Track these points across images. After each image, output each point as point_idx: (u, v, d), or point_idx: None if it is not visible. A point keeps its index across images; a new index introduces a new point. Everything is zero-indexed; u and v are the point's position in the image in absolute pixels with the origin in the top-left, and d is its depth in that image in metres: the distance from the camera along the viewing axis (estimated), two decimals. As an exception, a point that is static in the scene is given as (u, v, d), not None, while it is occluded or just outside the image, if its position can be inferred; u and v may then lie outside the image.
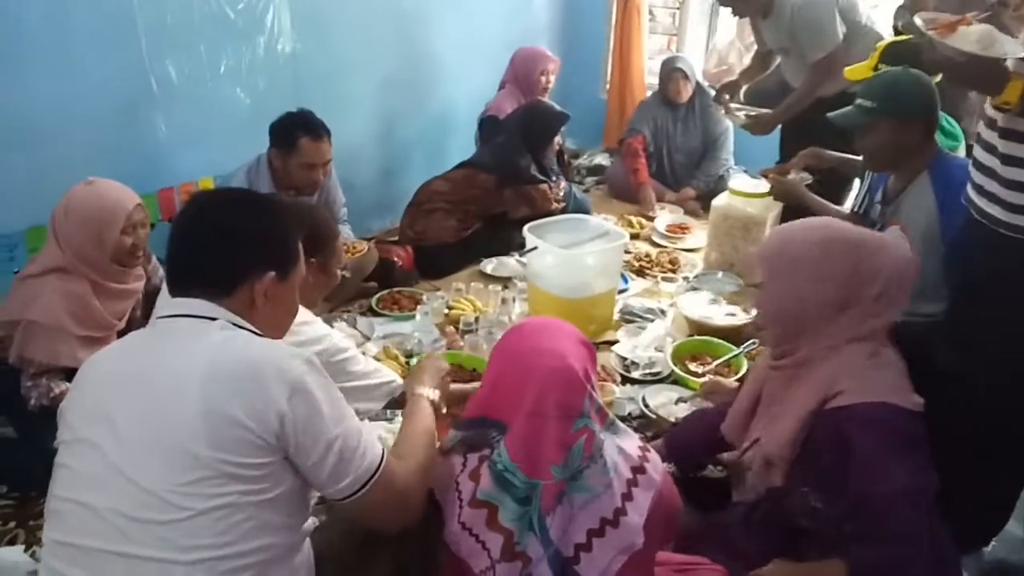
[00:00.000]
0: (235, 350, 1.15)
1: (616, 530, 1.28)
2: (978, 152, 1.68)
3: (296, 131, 2.72)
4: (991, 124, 1.62)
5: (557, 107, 3.61)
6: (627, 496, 1.30)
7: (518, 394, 1.28)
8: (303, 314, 1.56)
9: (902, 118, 2.09)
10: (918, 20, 1.60)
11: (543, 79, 3.97)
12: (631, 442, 1.37)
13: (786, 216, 3.32)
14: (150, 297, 2.29)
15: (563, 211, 3.57)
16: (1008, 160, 1.58)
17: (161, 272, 2.34)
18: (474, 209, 3.52)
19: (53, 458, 1.86)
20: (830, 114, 2.30)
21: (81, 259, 2.04)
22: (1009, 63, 1.47)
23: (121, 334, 2.15)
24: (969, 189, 1.72)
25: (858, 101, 2.18)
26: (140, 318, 2.28)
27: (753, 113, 3.44)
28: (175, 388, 1.11)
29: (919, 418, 1.40)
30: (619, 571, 1.27)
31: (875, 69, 2.64)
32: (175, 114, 2.78)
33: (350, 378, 1.78)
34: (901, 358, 1.50)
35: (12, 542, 1.91)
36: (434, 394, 1.54)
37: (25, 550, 1.84)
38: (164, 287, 1.31)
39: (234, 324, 1.21)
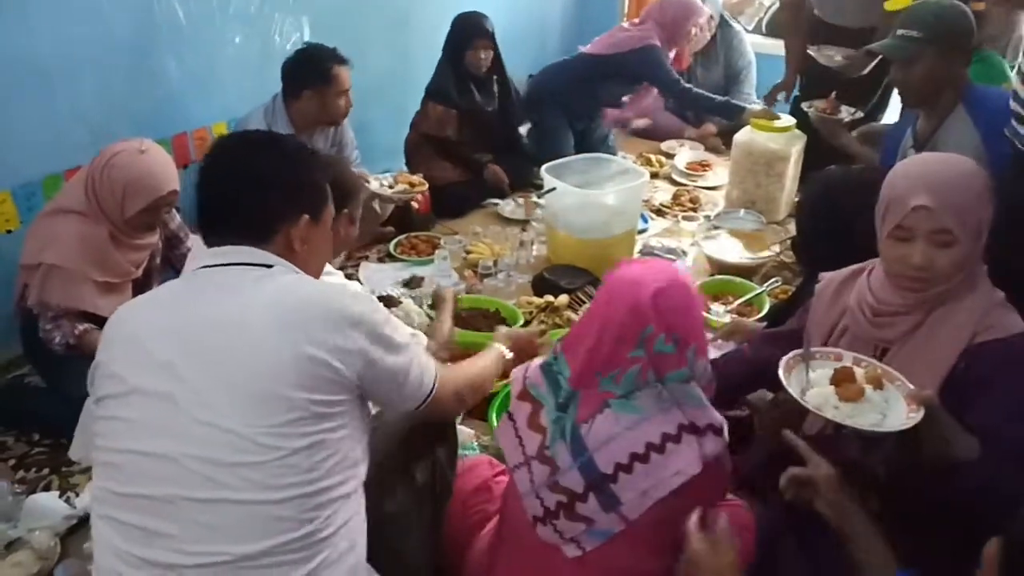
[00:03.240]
0: (307, 293, 1.18)
1: (662, 457, 1.22)
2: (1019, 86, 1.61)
3: (328, 63, 2.70)
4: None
5: (478, 14, 3.35)
6: (675, 437, 1.23)
7: (595, 308, 1.30)
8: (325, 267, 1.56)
9: (947, 47, 2.07)
10: None
11: (693, 30, 3.68)
12: (702, 412, 1.26)
13: (808, 152, 3.25)
14: (168, 242, 2.29)
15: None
16: None
17: (178, 218, 2.33)
18: (451, 144, 3.42)
19: (80, 405, 1.91)
20: (873, 45, 2.23)
21: (102, 211, 2.04)
22: None
23: (137, 282, 2.16)
24: (1014, 122, 1.66)
25: (901, 31, 2.15)
26: (159, 265, 2.28)
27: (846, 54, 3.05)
28: (251, 334, 1.12)
29: None
30: (654, 507, 1.22)
31: None
32: (186, 58, 2.72)
33: None
34: None
35: (47, 488, 1.95)
36: (509, 353, 1.72)
37: (60, 495, 1.88)
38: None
39: (289, 269, 1.22)
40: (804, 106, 2.98)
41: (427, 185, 3.04)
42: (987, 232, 1.33)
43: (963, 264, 1.32)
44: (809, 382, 1.36)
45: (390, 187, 3.06)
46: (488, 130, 3.52)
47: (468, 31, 3.30)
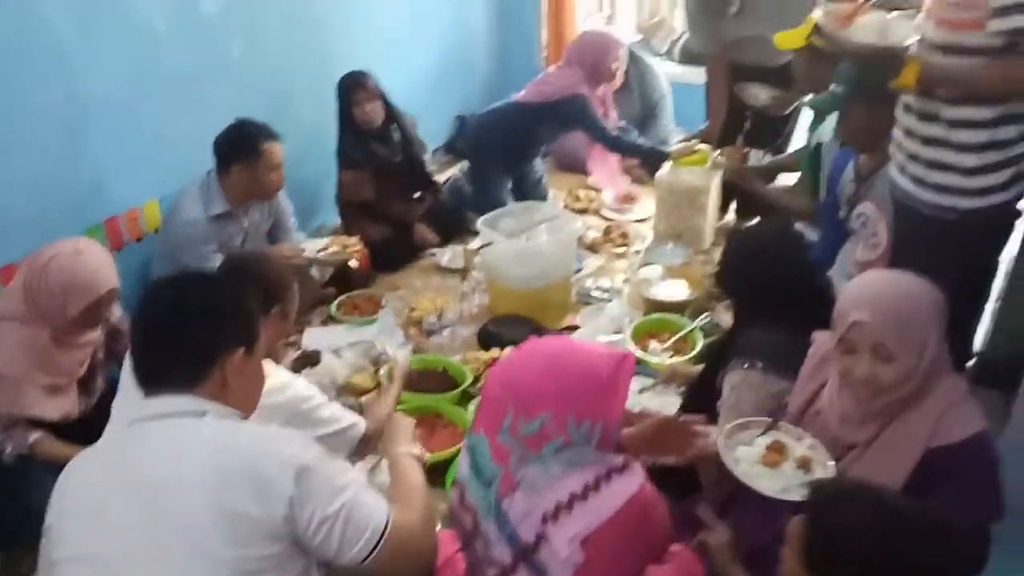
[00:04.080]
0: (232, 444, 1.18)
1: (584, 503, 1.32)
2: (897, 135, 1.78)
3: (257, 138, 2.73)
4: (906, 109, 1.71)
5: (356, 72, 3.37)
6: (594, 485, 1.34)
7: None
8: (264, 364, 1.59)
9: (874, 99, 2.10)
10: (818, 15, 1.66)
11: (614, 67, 3.69)
12: (581, 475, 1.37)
13: (725, 185, 3.43)
14: (111, 335, 2.29)
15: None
16: (928, 142, 1.68)
17: (118, 311, 2.33)
18: (372, 207, 3.50)
19: (35, 513, 1.90)
20: (806, 101, 2.36)
21: (42, 315, 2.04)
22: (910, 47, 1.55)
23: (82, 380, 2.16)
24: (892, 170, 1.82)
25: (831, 87, 2.25)
26: (103, 360, 2.27)
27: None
28: (180, 494, 1.13)
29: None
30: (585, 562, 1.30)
31: (807, 39, 2.72)
32: (115, 137, 2.71)
33: (316, 427, 1.75)
34: None
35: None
36: (416, 449, 1.60)
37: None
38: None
39: (221, 414, 1.23)
40: (715, 155, 3.15)
41: (361, 245, 3.07)
42: (934, 347, 1.41)
43: (908, 376, 1.40)
44: (750, 443, 1.49)
45: (324, 249, 3.05)
46: (402, 181, 3.60)
47: (349, 89, 3.34)
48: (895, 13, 1.63)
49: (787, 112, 3.21)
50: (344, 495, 1.21)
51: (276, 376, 1.74)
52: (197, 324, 1.25)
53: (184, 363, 1.24)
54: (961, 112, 1.65)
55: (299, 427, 1.29)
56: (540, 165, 4.02)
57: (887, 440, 1.45)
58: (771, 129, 3.31)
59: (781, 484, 1.45)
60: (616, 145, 3.72)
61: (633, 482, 1.39)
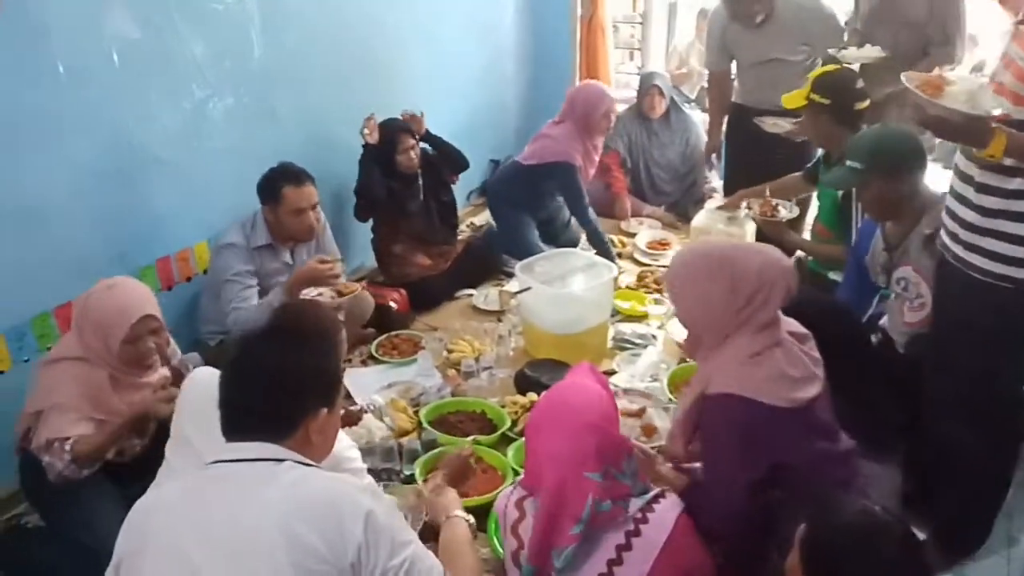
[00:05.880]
0: (309, 490, 1.23)
1: (630, 553, 1.50)
2: (950, 202, 1.81)
3: (278, 182, 2.83)
4: (965, 179, 1.74)
5: (397, 120, 3.51)
6: (626, 546, 1.52)
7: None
8: None
9: (890, 172, 2.19)
10: (906, 81, 1.71)
11: (604, 121, 3.82)
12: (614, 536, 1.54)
13: (761, 235, 3.47)
14: (171, 379, 2.33)
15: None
16: (985, 212, 1.70)
17: (178, 353, 2.39)
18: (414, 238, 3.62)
19: (78, 549, 1.94)
20: (823, 179, 2.41)
21: (95, 355, 2.11)
22: (996, 114, 1.58)
23: (139, 420, 2.21)
24: (943, 235, 1.85)
25: (847, 163, 2.29)
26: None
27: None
28: (257, 536, 1.18)
29: (772, 412, 1.60)
30: None
31: (807, 98, 2.82)
32: (165, 183, 2.81)
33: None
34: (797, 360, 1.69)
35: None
36: (464, 513, 1.69)
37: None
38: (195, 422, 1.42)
39: (298, 463, 1.28)
40: (743, 207, 3.22)
41: (357, 289, 3.02)
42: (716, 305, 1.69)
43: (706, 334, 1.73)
44: None
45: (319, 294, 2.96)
46: (431, 226, 3.71)
47: (396, 135, 3.43)
48: (982, 83, 1.67)
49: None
50: (406, 551, 1.27)
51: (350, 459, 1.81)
52: (286, 390, 1.31)
53: (271, 421, 1.30)
54: (1021, 183, 1.67)
55: None
56: (564, 210, 4.10)
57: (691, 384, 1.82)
58: (799, 158, 3.39)
59: None
60: (585, 222, 3.82)
61: (675, 504, 1.60)
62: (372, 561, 1.22)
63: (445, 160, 3.72)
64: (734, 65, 3.73)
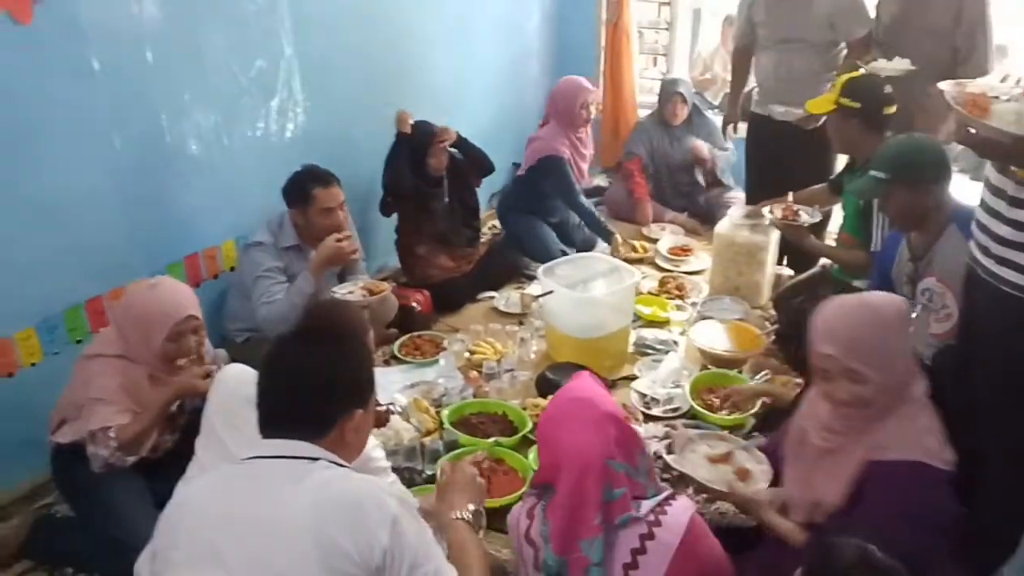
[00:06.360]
0: (339, 490, 1.25)
1: (645, 556, 1.49)
2: (981, 216, 1.79)
3: (307, 184, 2.87)
4: (997, 193, 1.72)
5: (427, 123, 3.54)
6: (646, 539, 1.51)
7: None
8: None
9: (914, 182, 2.18)
10: (947, 95, 1.69)
11: (584, 112, 3.91)
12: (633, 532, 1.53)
13: (785, 242, 3.46)
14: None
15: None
16: (1019, 226, 1.69)
17: (212, 350, 2.42)
18: (437, 240, 3.64)
19: (108, 538, 1.97)
20: (848, 188, 2.40)
21: (136, 353, 2.14)
22: None
23: (171, 416, 2.25)
24: (973, 248, 1.83)
25: (872, 172, 2.28)
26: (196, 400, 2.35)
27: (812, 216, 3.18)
28: (287, 532, 1.20)
29: (945, 477, 1.53)
30: None
31: (836, 102, 2.80)
32: (194, 182, 2.85)
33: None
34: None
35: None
36: (467, 513, 1.62)
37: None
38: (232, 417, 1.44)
39: (332, 462, 1.30)
40: (765, 212, 3.21)
41: (388, 288, 3.03)
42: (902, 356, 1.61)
43: (885, 387, 1.59)
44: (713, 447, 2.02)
45: (351, 293, 2.99)
46: (454, 228, 3.74)
47: (428, 137, 3.48)
48: None
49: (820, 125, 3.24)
50: (431, 561, 1.28)
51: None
52: (323, 391, 1.34)
53: (308, 421, 1.33)
54: None
55: None
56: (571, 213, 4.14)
57: (836, 454, 1.65)
58: (819, 170, 3.40)
59: (708, 475, 1.86)
60: (580, 208, 3.93)
61: (687, 506, 1.58)
62: (398, 566, 1.24)
63: (472, 164, 3.75)
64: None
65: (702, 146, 4.40)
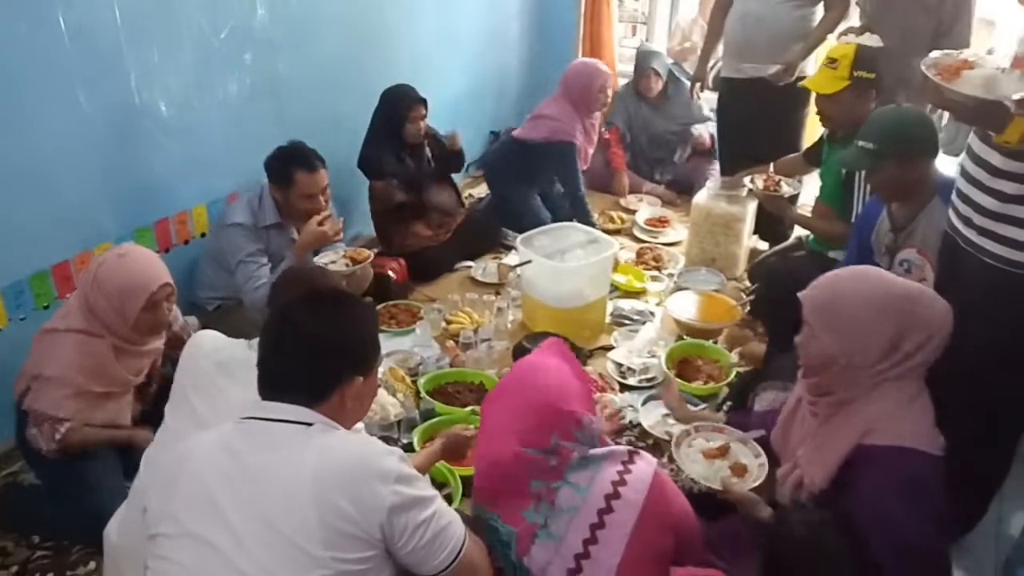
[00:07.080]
0: (338, 452, 1.26)
1: (590, 563, 1.48)
2: (963, 186, 1.79)
3: (291, 166, 2.75)
4: (979, 162, 1.72)
5: (407, 86, 3.44)
6: (591, 540, 1.50)
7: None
8: None
9: (904, 155, 2.16)
10: (923, 67, 1.69)
11: (601, 96, 3.79)
12: (606, 471, 1.56)
13: (760, 213, 3.47)
14: (171, 342, 2.32)
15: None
16: (1000, 196, 1.69)
17: (180, 318, 2.38)
18: (410, 208, 3.56)
19: (78, 507, 1.95)
20: (838, 158, 2.39)
21: (104, 326, 2.08)
22: (1010, 105, 1.56)
23: (141, 386, 2.21)
24: (953, 217, 1.84)
25: (859, 143, 2.24)
26: (162, 367, 2.32)
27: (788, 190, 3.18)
28: (287, 492, 1.21)
29: (939, 463, 1.52)
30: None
31: (851, 77, 2.74)
32: (165, 145, 2.77)
33: None
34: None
35: (53, 594, 1.99)
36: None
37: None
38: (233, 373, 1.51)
39: (328, 427, 1.30)
40: (746, 181, 3.21)
41: (371, 256, 2.93)
42: (879, 352, 1.56)
43: (829, 360, 1.59)
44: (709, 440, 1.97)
45: (333, 263, 2.89)
46: (434, 196, 3.67)
47: (404, 104, 3.38)
48: (1003, 68, 1.64)
49: (793, 80, 3.24)
50: (431, 506, 1.30)
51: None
52: (324, 357, 1.34)
53: (307, 387, 1.32)
54: None
55: None
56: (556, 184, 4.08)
57: (823, 434, 1.65)
58: (790, 132, 3.41)
59: (703, 472, 1.85)
60: (579, 204, 3.83)
61: (651, 463, 1.61)
62: (403, 521, 1.24)
63: (449, 157, 3.70)
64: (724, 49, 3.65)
65: (704, 133, 4.38)
